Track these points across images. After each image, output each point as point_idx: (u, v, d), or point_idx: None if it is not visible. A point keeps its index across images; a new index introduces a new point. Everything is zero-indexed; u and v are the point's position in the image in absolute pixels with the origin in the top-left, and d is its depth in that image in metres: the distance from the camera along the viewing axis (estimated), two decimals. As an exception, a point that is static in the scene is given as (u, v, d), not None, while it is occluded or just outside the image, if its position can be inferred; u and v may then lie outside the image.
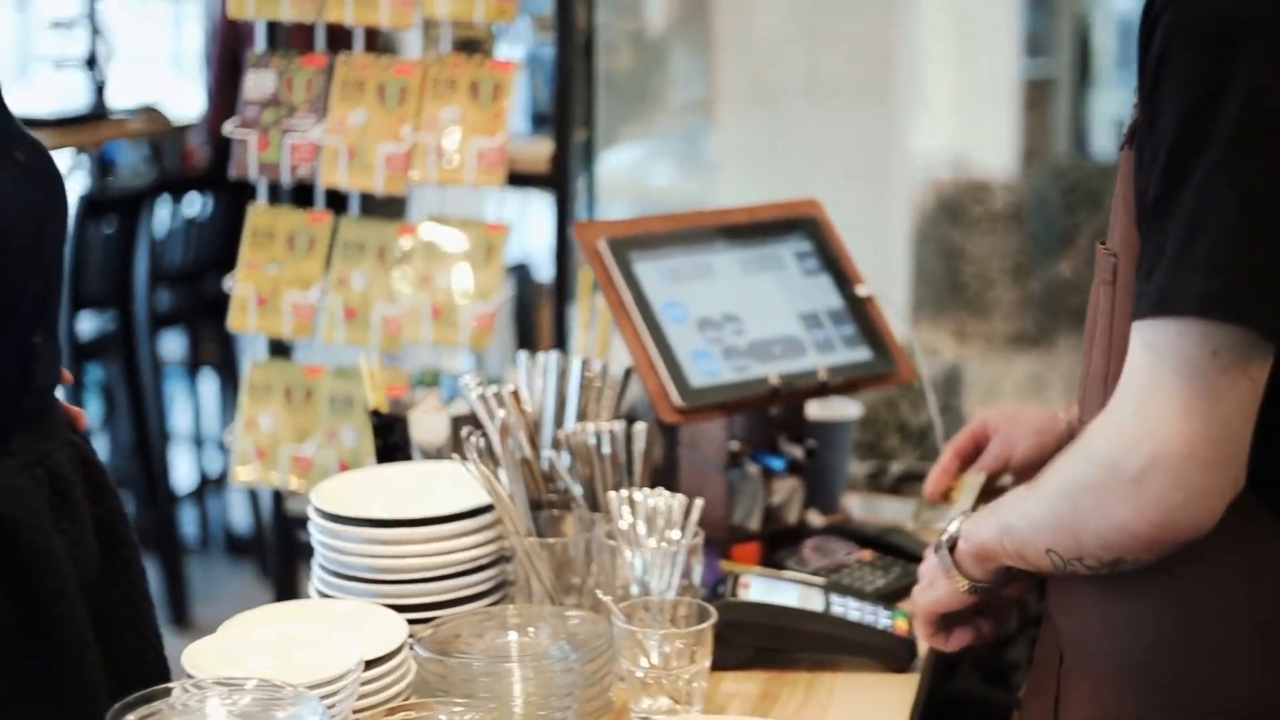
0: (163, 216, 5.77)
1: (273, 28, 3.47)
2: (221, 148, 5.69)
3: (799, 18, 3.60)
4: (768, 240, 2.70)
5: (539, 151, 3.56)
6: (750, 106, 3.66)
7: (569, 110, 3.39)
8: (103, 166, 6.47)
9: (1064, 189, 4.31)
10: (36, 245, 1.88)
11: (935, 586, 2.01)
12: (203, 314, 5.92)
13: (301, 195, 3.45)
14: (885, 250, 3.43)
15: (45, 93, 7.15)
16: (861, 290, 2.68)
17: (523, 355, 2.45)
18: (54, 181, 1.97)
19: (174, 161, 6.39)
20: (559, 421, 2.38)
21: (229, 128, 3.36)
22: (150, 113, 6.38)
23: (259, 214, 3.38)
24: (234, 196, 5.28)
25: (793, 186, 3.54)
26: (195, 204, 5.93)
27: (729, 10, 3.63)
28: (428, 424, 2.54)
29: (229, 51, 5.84)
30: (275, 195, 3.42)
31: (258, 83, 3.34)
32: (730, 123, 3.68)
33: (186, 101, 6.92)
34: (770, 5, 3.59)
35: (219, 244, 5.83)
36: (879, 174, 3.70)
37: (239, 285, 3.35)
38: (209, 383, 6.34)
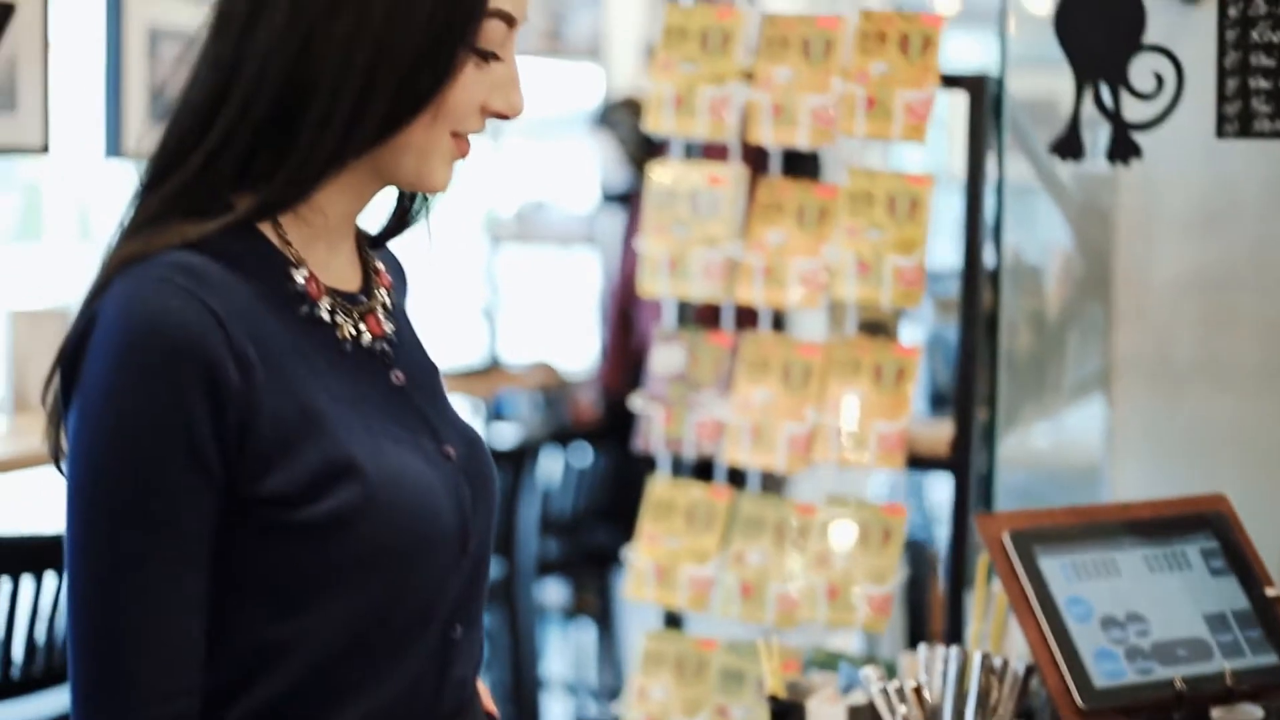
0: (550, 466, 5.90)
1: (682, 304, 3.54)
2: (613, 403, 5.83)
3: (1199, 297, 3.56)
4: (1173, 538, 2.66)
5: (937, 433, 3.53)
6: (1149, 387, 3.62)
7: (971, 392, 3.38)
8: (495, 414, 6.65)
9: None
10: (462, 541, 1.83)
11: None
12: (584, 563, 6.01)
13: (700, 467, 3.48)
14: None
15: (443, 341, 7.42)
16: (1271, 592, 2.62)
17: (923, 648, 2.45)
18: (485, 476, 1.91)
19: (563, 413, 6.54)
20: (958, 717, 2.36)
21: (637, 403, 3.43)
22: (544, 368, 6.57)
23: (660, 487, 3.43)
24: (621, 450, 5.38)
25: (1191, 467, 3.48)
26: (582, 455, 6.05)
27: (1129, 288, 3.60)
28: (825, 714, 2.55)
29: (623, 310, 6.00)
30: (676, 467, 3.46)
31: (666, 358, 3.41)
32: (1129, 403, 3.64)
33: (574, 351, 7.12)
34: (1170, 284, 3.56)
35: (603, 496, 5.94)
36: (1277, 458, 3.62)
37: (637, 556, 3.38)
38: (585, 629, 6.42)
